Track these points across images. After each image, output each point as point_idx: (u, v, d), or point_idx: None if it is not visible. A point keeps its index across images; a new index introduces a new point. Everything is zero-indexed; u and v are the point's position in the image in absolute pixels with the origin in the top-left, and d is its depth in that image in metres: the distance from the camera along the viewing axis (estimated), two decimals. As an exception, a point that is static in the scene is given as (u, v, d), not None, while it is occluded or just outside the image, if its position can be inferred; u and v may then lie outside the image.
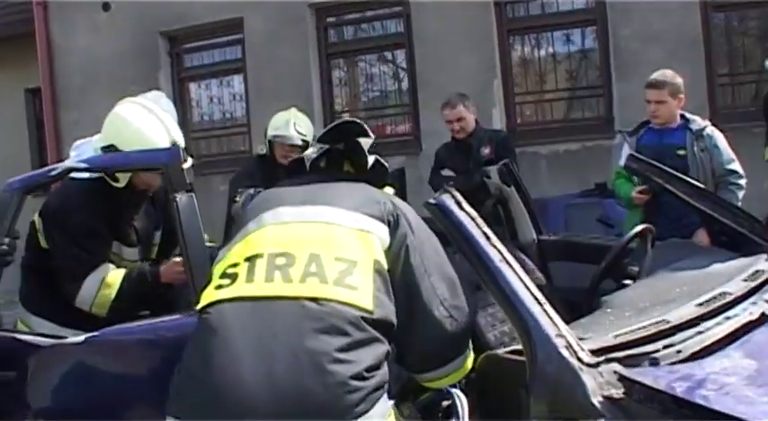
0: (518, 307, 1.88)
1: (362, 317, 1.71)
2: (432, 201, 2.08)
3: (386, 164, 2.17)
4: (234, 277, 1.78)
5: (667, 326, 1.96)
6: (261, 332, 1.68)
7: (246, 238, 1.88)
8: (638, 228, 2.94)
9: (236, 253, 1.86)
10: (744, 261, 2.63)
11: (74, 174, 2.86)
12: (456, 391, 2.04)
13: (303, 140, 4.35)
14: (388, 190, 2.23)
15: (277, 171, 4.39)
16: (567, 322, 2.60)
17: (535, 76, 7.43)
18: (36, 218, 2.91)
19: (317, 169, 2.13)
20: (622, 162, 4.27)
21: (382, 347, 1.74)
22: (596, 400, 1.71)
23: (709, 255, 2.74)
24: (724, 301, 2.13)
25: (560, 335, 1.82)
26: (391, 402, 1.77)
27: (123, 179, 2.85)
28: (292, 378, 1.62)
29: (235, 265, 1.81)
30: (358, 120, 2.17)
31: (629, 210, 4.20)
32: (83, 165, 2.68)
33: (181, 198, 2.59)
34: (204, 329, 1.75)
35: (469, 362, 2.02)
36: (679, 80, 4.08)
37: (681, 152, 3.99)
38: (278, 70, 7.84)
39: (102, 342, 2.54)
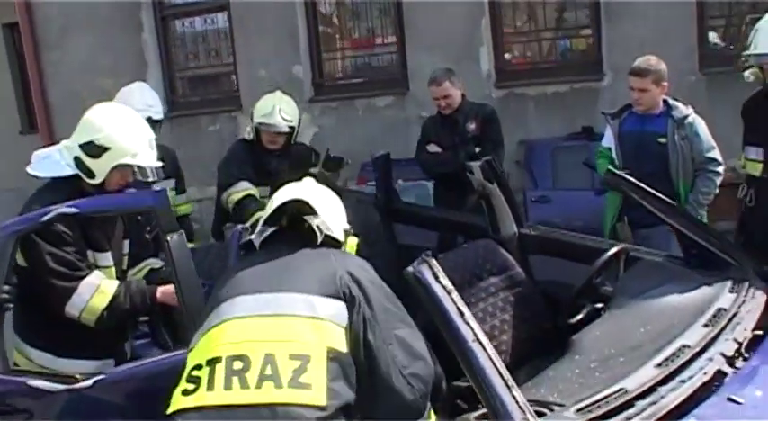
0: (487, 389, 2.02)
1: (318, 418, 1.82)
2: (410, 270, 2.18)
3: (337, 236, 2.20)
4: (197, 382, 1.91)
5: (627, 397, 2.12)
6: None
7: (209, 333, 2.00)
8: (612, 250, 3.07)
9: (201, 349, 1.98)
10: (709, 291, 2.77)
11: (41, 175, 2.91)
12: None
13: (289, 126, 4.38)
14: (352, 241, 2.30)
15: (264, 157, 4.44)
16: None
17: (524, 15, 7.28)
18: None
19: (275, 239, 2.16)
20: (606, 142, 4.34)
21: None
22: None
23: (678, 282, 2.87)
24: (682, 361, 2.29)
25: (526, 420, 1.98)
26: None
27: (99, 175, 2.86)
28: None
29: (198, 367, 1.93)
30: (304, 199, 2.17)
31: (609, 191, 4.28)
32: (74, 210, 2.74)
33: (172, 238, 2.67)
34: None
35: None
36: (663, 67, 4.07)
37: (662, 140, 4.05)
38: (262, 7, 7.65)
39: (111, 383, 2.66)
